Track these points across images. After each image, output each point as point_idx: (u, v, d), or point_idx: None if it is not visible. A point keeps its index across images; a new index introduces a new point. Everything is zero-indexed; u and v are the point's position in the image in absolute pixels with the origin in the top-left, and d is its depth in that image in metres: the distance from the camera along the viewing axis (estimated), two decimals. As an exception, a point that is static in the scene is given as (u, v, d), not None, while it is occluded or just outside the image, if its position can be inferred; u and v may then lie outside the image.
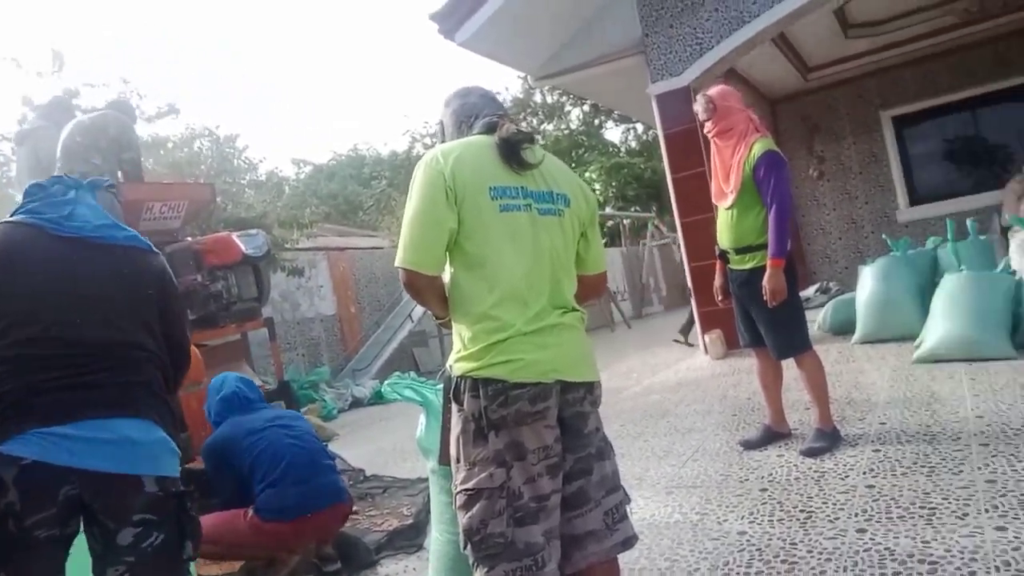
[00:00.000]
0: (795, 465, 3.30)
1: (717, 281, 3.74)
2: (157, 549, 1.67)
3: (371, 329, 12.86)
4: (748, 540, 2.59)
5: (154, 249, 1.96)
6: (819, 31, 8.42)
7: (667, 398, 5.43)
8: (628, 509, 1.82)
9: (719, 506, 2.97)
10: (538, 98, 25.68)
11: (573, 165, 24.27)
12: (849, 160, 10.58)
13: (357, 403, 9.61)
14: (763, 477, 3.23)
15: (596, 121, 26.00)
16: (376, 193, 20.84)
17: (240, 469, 2.89)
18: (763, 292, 3.36)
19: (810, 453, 3.38)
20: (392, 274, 12.54)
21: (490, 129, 1.76)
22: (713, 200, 3.73)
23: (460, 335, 1.67)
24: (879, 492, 2.79)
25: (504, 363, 1.59)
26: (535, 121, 26.13)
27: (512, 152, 1.70)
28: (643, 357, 8.63)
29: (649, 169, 22.83)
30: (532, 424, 1.61)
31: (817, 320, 6.76)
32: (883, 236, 7.54)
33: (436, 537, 2.32)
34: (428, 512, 2.55)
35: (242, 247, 5.50)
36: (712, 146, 3.68)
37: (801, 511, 2.76)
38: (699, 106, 3.62)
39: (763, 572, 2.34)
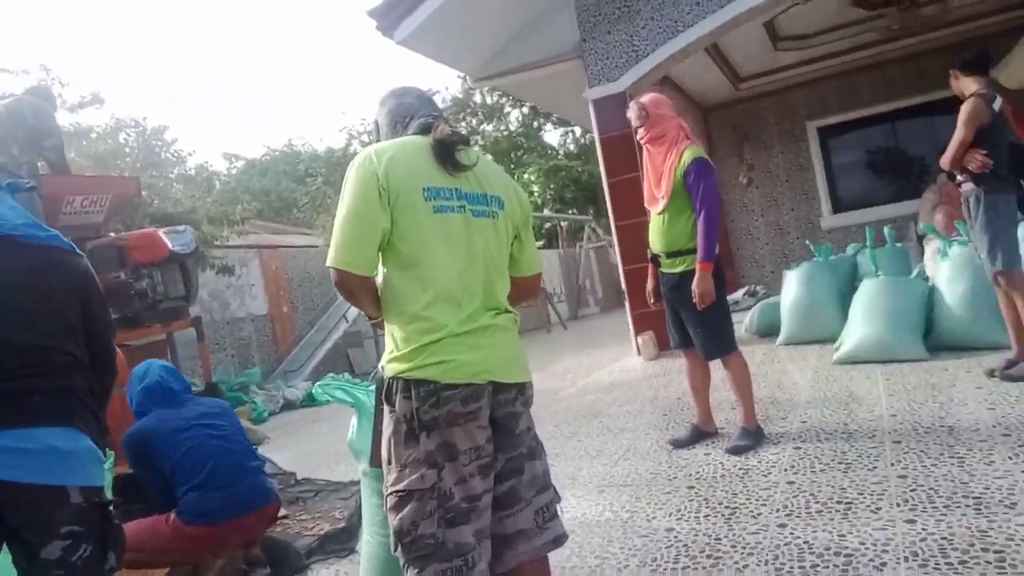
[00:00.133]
0: (721, 463, 3.41)
1: (649, 284, 3.82)
2: (86, 562, 1.61)
3: (304, 329, 12.63)
4: (675, 536, 2.66)
5: (78, 251, 1.89)
6: (750, 43, 8.71)
7: (601, 399, 5.52)
8: (559, 508, 1.84)
9: (648, 504, 3.04)
10: (478, 98, 25.70)
11: (512, 167, 24.40)
12: (777, 168, 10.97)
13: (289, 405, 9.43)
14: (691, 475, 3.32)
15: (535, 123, 26.18)
16: (311, 191, 20.44)
17: (162, 469, 2.79)
18: (692, 295, 3.46)
19: (735, 451, 3.49)
20: (327, 273, 12.28)
21: (425, 130, 1.76)
22: (645, 205, 3.80)
23: (393, 336, 1.67)
24: (799, 488, 2.90)
25: (436, 364, 1.59)
26: (475, 121, 26.14)
27: (447, 153, 1.70)
28: (578, 358, 8.75)
29: (587, 172, 23.12)
30: (464, 425, 1.62)
31: (744, 322, 6.97)
32: (807, 242, 7.84)
33: (367, 539, 2.30)
34: (360, 515, 2.52)
35: (169, 244, 5.37)
36: (644, 152, 3.76)
37: (726, 507, 2.85)
38: (632, 113, 3.69)
39: (689, 567, 2.41)
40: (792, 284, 6.17)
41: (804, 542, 2.41)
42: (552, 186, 23.81)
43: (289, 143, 27.47)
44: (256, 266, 12.08)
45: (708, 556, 2.45)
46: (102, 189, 5.51)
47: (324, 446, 5.87)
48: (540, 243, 21.88)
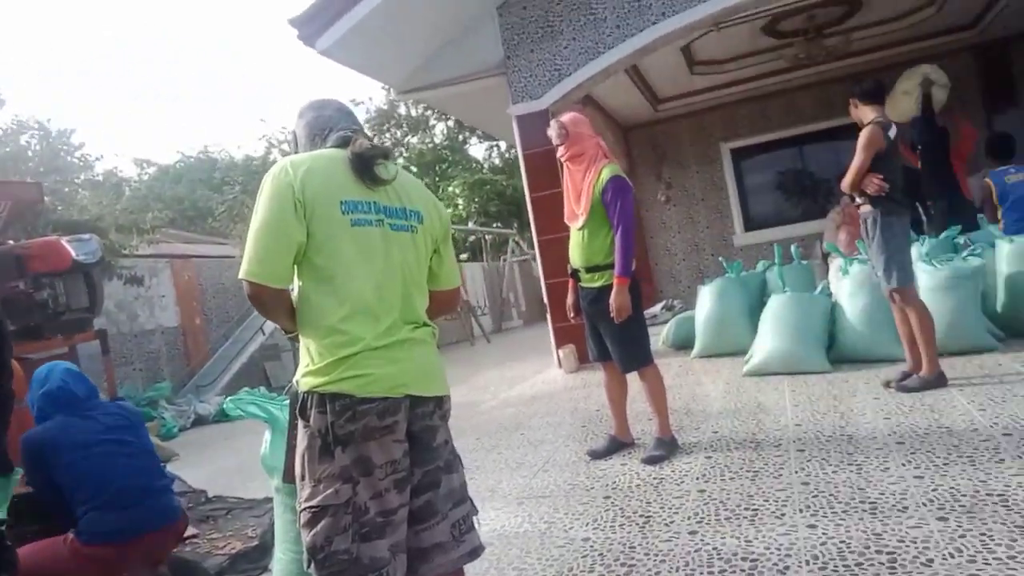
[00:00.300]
0: (636, 473, 3.49)
1: (569, 299, 3.89)
2: None
3: (219, 342, 12.22)
4: (591, 546, 2.71)
5: None
6: (668, 66, 9.02)
7: (522, 411, 5.56)
8: (476, 520, 1.85)
9: (566, 514, 3.09)
10: (403, 110, 25.61)
11: (437, 179, 24.37)
12: (693, 187, 11.36)
13: (200, 421, 9.11)
14: (607, 485, 3.39)
15: (460, 137, 26.25)
16: (228, 199, 19.83)
17: (59, 482, 2.62)
18: (610, 309, 3.54)
19: (650, 461, 3.59)
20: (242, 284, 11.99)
21: (344, 143, 1.75)
22: (566, 221, 3.88)
23: (308, 349, 1.65)
24: (709, 496, 3.01)
25: (352, 378, 1.58)
26: (399, 133, 26.00)
27: (365, 167, 1.70)
28: (500, 371, 8.79)
29: (511, 187, 23.31)
30: (380, 439, 1.61)
31: (661, 335, 7.17)
32: (720, 259, 8.14)
33: (279, 556, 2.26)
34: (273, 533, 2.46)
35: (72, 252, 5.13)
36: (565, 169, 3.84)
37: (640, 516, 2.92)
38: (552, 131, 3.77)
39: (604, 576, 2.46)
40: (705, 299, 6.37)
41: (713, 548, 2.50)
42: (477, 199, 23.88)
43: (205, 149, 26.62)
44: (167, 276, 11.63)
45: (622, 564, 2.51)
46: (1, 195, 5.22)
47: (236, 462, 5.70)
48: (464, 256, 21.92)
